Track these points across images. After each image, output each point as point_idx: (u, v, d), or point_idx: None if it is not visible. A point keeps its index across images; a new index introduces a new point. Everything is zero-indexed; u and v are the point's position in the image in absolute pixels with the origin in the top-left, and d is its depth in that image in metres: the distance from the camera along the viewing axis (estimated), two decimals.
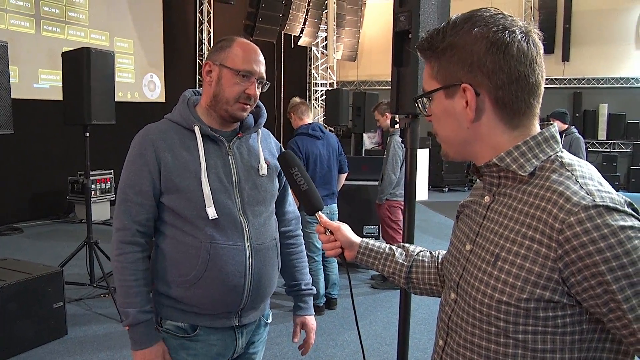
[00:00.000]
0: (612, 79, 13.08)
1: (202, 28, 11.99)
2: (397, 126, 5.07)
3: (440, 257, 1.34)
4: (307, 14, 13.24)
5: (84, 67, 4.53)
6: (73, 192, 8.54)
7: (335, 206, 4.60)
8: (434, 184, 12.50)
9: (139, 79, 10.36)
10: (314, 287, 1.98)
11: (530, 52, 0.96)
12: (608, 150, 13.27)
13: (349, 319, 4.53)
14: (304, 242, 2.00)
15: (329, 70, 15.54)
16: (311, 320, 1.93)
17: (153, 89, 10.68)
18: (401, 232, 5.25)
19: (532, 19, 13.57)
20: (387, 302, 5.01)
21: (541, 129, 1.01)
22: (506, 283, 0.94)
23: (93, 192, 8.12)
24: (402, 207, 5.21)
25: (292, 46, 13.57)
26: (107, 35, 9.57)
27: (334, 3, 14.02)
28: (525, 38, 0.96)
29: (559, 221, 0.88)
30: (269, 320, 1.89)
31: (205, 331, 1.67)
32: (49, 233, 7.76)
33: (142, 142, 1.66)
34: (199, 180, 1.60)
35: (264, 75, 1.72)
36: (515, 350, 0.95)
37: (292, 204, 1.96)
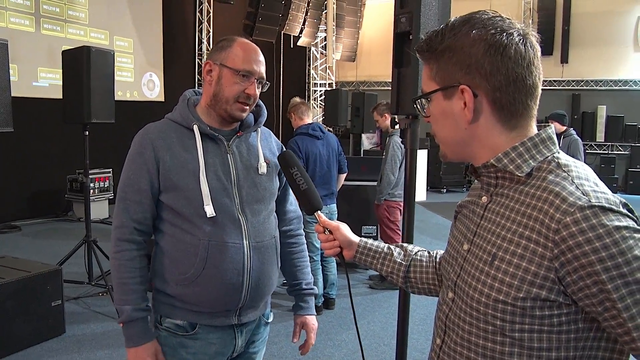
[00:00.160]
0: (611, 81, 13.12)
1: (201, 27, 11.99)
2: (397, 127, 5.09)
3: (438, 256, 1.35)
4: (306, 14, 13.26)
5: (84, 66, 4.54)
6: (71, 191, 8.53)
7: (334, 206, 4.61)
8: (432, 185, 12.52)
9: (138, 78, 10.36)
10: (315, 287, 1.97)
11: (528, 54, 0.97)
12: (606, 152, 13.31)
13: (346, 319, 4.54)
14: (305, 241, 2.00)
15: (328, 70, 15.55)
16: (312, 320, 1.93)
17: (152, 88, 10.69)
18: (399, 232, 5.28)
19: (531, 20, 13.60)
20: (385, 302, 5.02)
21: (538, 130, 1.03)
22: (503, 282, 0.95)
23: (91, 191, 8.12)
24: (401, 208, 5.27)
25: (292, 46, 13.59)
26: (106, 34, 9.57)
27: (334, 3, 14.04)
28: (523, 40, 0.97)
29: (555, 221, 0.89)
30: (270, 320, 1.89)
31: (204, 329, 1.67)
32: (47, 231, 7.76)
33: (142, 141, 1.68)
34: (197, 178, 1.62)
35: (264, 75, 1.72)
36: (511, 348, 0.96)
37: (293, 203, 1.96)
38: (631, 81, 12.96)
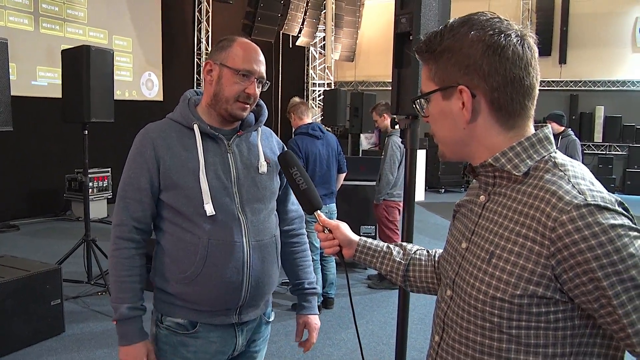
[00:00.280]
0: (609, 82, 13.15)
1: (200, 27, 12.00)
2: (397, 127, 5.10)
3: (437, 255, 1.36)
4: (305, 14, 13.26)
5: (84, 65, 4.55)
6: (70, 190, 8.54)
7: (334, 206, 4.62)
8: (431, 185, 12.54)
9: (137, 77, 10.36)
10: (317, 287, 1.98)
11: (526, 55, 0.99)
12: (604, 152, 13.34)
13: (345, 318, 4.55)
14: (307, 241, 2.01)
15: (326, 70, 15.56)
16: (314, 319, 1.93)
17: (151, 88, 10.68)
18: (398, 232, 5.29)
19: (530, 21, 13.62)
20: (384, 301, 5.04)
21: (536, 130, 1.04)
22: (500, 279, 0.97)
23: (90, 190, 8.10)
24: (399, 208, 5.29)
25: (290, 46, 13.59)
26: (105, 33, 9.56)
27: (332, 3, 14.05)
28: (521, 41, 0.99)
29: (552, 219, 0.91)
30: (271, 319, 1.89)
31: (205, 328, 1.68)
32: (46, 231, 7.75)
33: (142, 141, 1.69)
34: (197, 177, 1.62)
35: (264, 74, 1.73)
36: (509, 345, 0.97)
37: (295, 203, 1.96)
38: (629, 82, 12.99)
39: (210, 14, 12.05)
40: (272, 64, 12.85)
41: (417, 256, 1.37)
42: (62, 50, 4.91)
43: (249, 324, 1.77)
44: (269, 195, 1.77)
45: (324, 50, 15.02)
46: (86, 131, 4.77)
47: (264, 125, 1.87)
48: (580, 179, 0.95)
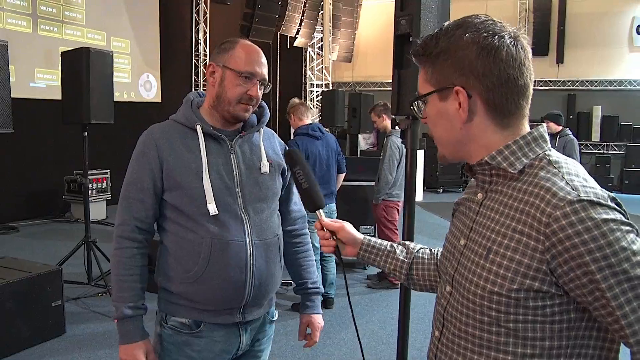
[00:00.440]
0: (606, 81, 13.20)
1: (198, 28, 12.01)
2: (397, 127, 5.12)
3: (439, 254, 1.38)
4: (303, 15, 13.29)
5: (84, 67, 4.57)
6: (69, 192, 8.54)
7: (333, 205, 4.64)
8: (429, 185, 12.56)
9: (135, 78, 10.37)
10: (321, 286, 1.99)
11: (519, 56, 1.02)
12: (601, 151, 13.38)
13: (345, 318, 4.57)
14: (310, 240, 2.02)
15: (324, 71, 15.58)
16: (318, 319, 1.95)
17: (149, 89, 10.70)
18: (397, 232, 5.31)
19: (527, 21, 13.67)
20: (383, 301, 5.06)
21: (531, 129, 1.07)
22: (497, 274, 0.99)
23: (89, 192, 8.12)
24: (398, 208, 5.31)
25: (288, 47, 13.61)
26: (103, 35, 9.57)
27: (330, 4, 14.08)
28: (514, 42, 1.02)
29: (546, 215, 0.93)
30: (275, 318, 1.90)
31: (209, 327, 1.70)
32: (45, 232, 7.76)
33: (146, 141, 1.71)
34: (200, 177, 1.64)
35: (266, 76, 1.76)
36: (507, 338, 1.00)
37: (297, 203, 1.98)
38: (626, 81, 13.04)
39: (208, 15, 12.06)
40: (270, 65, 12.72)
41: (420, 255, 1.39)
42: (62, 52, 4.92)
43: (252, 323, 1.78)
44: (271, 195, 1.79)
45: (322, 51, 15.05)
46: (86, 133, 4.79)
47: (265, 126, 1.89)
48: (573, 175, 0.98)
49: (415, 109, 1.15)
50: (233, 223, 1.66)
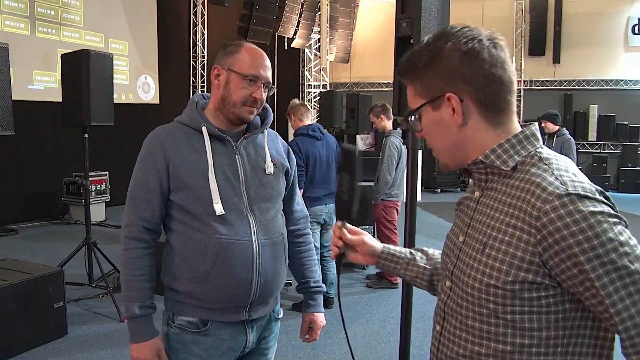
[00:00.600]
0: (602, 81, 13.26)
1: (196, 30, 12.02)
2: (399, 128, 5.14)
3: None
4: (300, 16, 13.32)
5: (84, 69, 4.58)
6: (68, 194, 8.54)
7: (333, 205, 4.65)
8: (427, 185, 12.59)
9: (133, 80, 10.37)
10: (323, 285, 2.02)
11: (500, 55, 1.07)
12: (598, 151, 13.44)
13: (345, 317, 4.58)
14: (312, 240, 2.05)
15: (322, 72, 15.61)
16: (320, 317, 1.99)
17: (147, 91, 10.70)
18: (396, 231, 5.34)
19: (524, 21, 13.73)
20: (383, 300, 5.09)
21: (522, 128, 1.11)
22: (493, 268, 1.03)
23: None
24: (398, 207, 5.33)
25: (286, 48, 13.64)
26: (101, 37, 9.58)
27: (327, 5, 14.10)
28: (493, 44, 1.07)
29: (536, 209, 0.98)
30: (280, 316, 1.93)
31: (215, 326, 1.72)
32: (44, 234, 7.77)
33: (151, 143, 1.74)
34: (206, 178, 1.67)
35: (270, 79, 1.79)
36: (505, 329, 1.03)
37: (300, 203, 2.01)
38: (622, 81, 13.10)
39: (205, 16, 12.08)
40: None
41: (440, 261, 1.41)
42: (62, 55, 4.94)
43: (258, 321, 1.81)
44: (276, 195, 1.82)
45: (319, 52, 15.07)
46: (86, 134, 4.80)
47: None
48: (563, 171, 1.02)
49: (411, 124, 1.19)
50: (239, 223, 1.69)
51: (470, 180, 1.20)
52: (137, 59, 10.39)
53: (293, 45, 13.67)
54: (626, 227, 0.97)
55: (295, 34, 13.39)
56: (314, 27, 14.42)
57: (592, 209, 0.94)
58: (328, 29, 14.44)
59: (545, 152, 1.08)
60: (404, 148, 5.23)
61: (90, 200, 8.17)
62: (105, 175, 8.72)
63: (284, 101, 6.59)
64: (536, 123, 1.13)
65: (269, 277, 1.74)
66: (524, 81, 13.75)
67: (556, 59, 13.48)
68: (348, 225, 1.37)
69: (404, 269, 1.41)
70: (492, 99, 1.07)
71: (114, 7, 9.81)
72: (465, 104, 1.07)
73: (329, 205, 4.58)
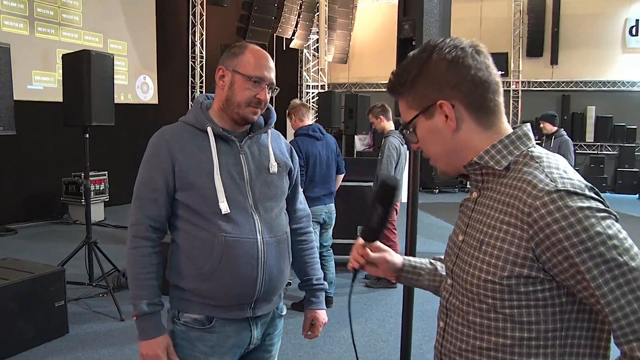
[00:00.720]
0: (600, 82, 13.31)
1: (194, 30, 12.04)
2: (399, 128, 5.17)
3: None
4: (298, 17, 13.34)
5: (84, 70, 4.59)
6: (67, 193, 8.56)
7: (333, 205, 4.69)
8: (425, 186, 12.62)
9: (132, 80, 10.39)
10: (325, 283, 2.05)
11: (483, 59, 1.13)
12: (595, 152, 13.49)
13: (345, 317, 4.61)
14: (314, 239, 2.08)
15: (320, 72, 15.64)
16: (322, 314, 2.02)
17: (146, 91, 10.71)
18: (395, 231, 5.37)
19: (522, 22, 13.77)
20: (382, 300, 5.11)
21: (514, 129, 1.16)
22: (490, 264, 1.07)
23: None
24: (397, 207, 5.36)
25: (284, 48, 13.66)
26: (100, 37, 9.60)
27: (326, 6, 14.13)
28: (475, 50, 1.13)
29: (527, 205, 1.02)
30: (283, 313, 1.96)
31: (221, 323, 1.75)
32: (43, 234, 7.77)
33: (157, 143, 1.76)
34: (211, 177, 1.70)
35: (274, 81, 1.81)
36: (504, 323, 1.07)
37: (302, 202, 2.04)
38: (619, 82, 13.16)
39: (204, 17, 12.10)
40: None
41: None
42: (63, 55, 4.96)
43: (262, 318, 1.84)
44: (280, 194, 1.85)
45: (318, 52, 15.10)
46: (87, 135, 4.82)
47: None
48: (553, 168, 1.06)
49: (407, 137, 1.23)
50: (244, 221, 1.72)
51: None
52: (136, 59, 10.41)
53: (291, 45, 13.70)
54: (616, 221, 1.00)
55: (293, 34, 13.42)
56: (313, 28, 14.45)
57: (580, 204, 0.98)
58: (326, 29, 14.47)
59: (537, 151, 1.12)
60: (403, 148, 5.27)
61: (89, 199, 8.26)
62: (104, 175, 8.73)
63: (283, 101, 6.61)
64: (529, 124, 1.18)
65: (274, 275, 1.76)
66: (522, 82, 13.81)
67: (554, 60, 13.55)
68: (370, 249, 1.38)
69: (427, 280, 1.44)
70: (481, 102, 1.12)
71: (113, 8, 9.83)
72: (457, 109, 1.12)
73: (328, 205, 4.61)
